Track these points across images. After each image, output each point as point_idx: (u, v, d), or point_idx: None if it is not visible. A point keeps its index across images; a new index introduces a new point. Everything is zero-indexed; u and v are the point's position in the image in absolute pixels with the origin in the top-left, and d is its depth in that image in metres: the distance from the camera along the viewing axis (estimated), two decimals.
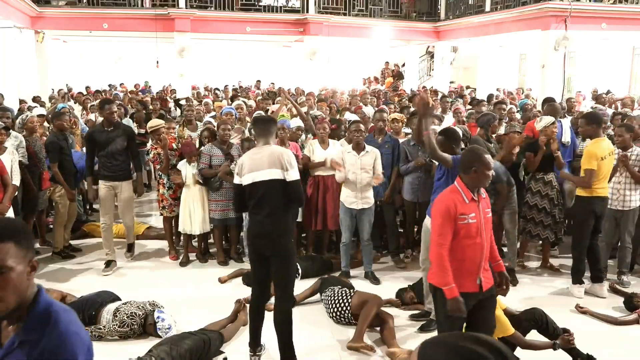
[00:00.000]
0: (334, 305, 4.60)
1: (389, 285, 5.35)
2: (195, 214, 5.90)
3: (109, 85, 17.93)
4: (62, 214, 6.10)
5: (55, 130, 6.21)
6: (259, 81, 17.25)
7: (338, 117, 8.30)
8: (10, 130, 5.76)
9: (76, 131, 7.90)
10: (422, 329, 4.46)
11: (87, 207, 7.66)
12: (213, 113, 8.43)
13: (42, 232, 6.56)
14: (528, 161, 5.69)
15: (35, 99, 11.97)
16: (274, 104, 9.62)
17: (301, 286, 5.37)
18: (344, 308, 4.54)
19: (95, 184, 5.89)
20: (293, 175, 3.66)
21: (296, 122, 6.44)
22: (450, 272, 3.09)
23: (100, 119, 7.41)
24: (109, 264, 5.76)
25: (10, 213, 5.11)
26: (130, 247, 6.21)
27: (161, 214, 6.32)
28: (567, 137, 6.28)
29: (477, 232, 3.15)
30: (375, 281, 5.50)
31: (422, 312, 4.62)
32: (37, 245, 6.40)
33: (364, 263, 5.64)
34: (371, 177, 5.33)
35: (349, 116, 6.97)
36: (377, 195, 5.81)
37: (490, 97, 12.02)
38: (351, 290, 4.72)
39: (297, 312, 4.72)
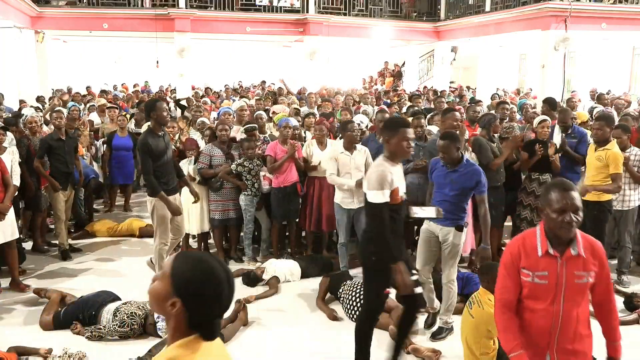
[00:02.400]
0: (359, 297, 4.57)
1: None
2: (192, 213, 5.89)
3: (110, 85, 17.92)
4: (59, 211, 6.10)
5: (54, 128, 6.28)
6: (263, 81, 17.21)
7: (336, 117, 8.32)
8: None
9: (84, 131, 7.90)
10: (434, 337, 4.37)
11: (87, 210, 7.64)
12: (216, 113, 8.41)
13: (42, 231, 6.56)
14: (522, 161, 5.72)
15: (39, 99, 12.00)
16: (274, 104, 9.62)
17: (301, 286, 5.39)
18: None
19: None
20: (369, 195, 3.35)
21: (296, 122, 6.43)
22: (516, 335, 2.48)
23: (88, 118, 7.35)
24: None
25: (11, 213, 5.12)
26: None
27: None
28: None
29: (547, 296, 2.43)
30: None
31: (439, 329, 4.45)
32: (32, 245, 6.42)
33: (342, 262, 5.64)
34: (363, 174, 5.28)
35: (359, 117, 6.95)
36: None
37: (493, 97, 12.02)
38: None
39: (292, 311, 4.73)
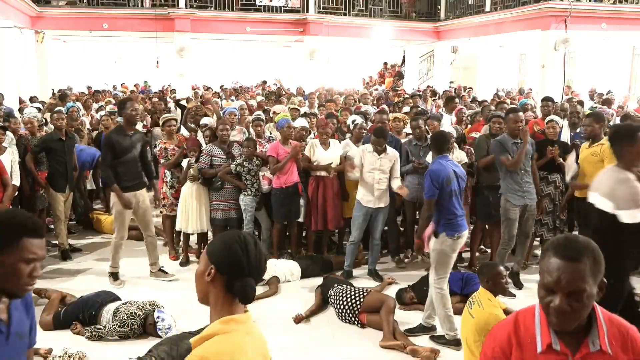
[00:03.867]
0: (345, 302, 4.59)
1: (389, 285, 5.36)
2: (190, 213, 5.88)
3: (109, 85, 17.91)
4: (58, 212, 6.09)
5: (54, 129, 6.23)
6: (264, 82, 17.23)
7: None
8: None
9: (83, 130, 7.88)
10: (410, 331, 4.40)
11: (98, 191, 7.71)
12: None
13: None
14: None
15: (33, 99, 11.98)
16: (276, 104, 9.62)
17: (301, 286, 5.39)
18: (356, 306, 4.54)
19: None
20: (623, 217, 2.99)
21: (300, 122, 6.43)
22: None
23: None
24: (116, 277, 5.48)
25: None
26: (155, 262, 5.68)
27: (160, 212, 6.32)
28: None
29: None
30: (379, 279, 5.52)
31: (419, 326, 4.47)
32: None
33: (369, 261, 5.67)
34: (387, 177, 5.35)
35: (354, 117, 6.96)
36: None
37: (494, 97, 12.02)
38: (364, 289, 4.74)
39: (292, 312, 4.73)
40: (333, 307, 4.75)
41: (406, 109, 8.59)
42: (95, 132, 8.70)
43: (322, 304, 4.88)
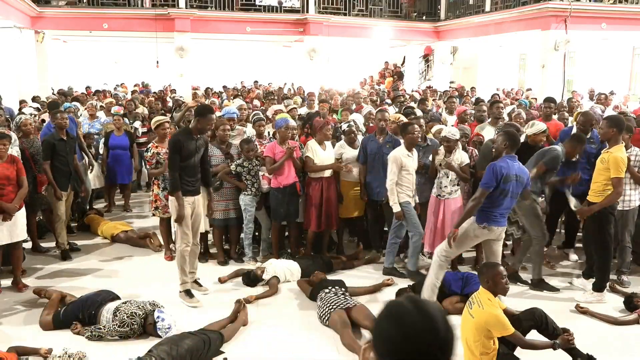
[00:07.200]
0: (329, 308, 4.51)
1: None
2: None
3: (109, 85, 17.92)
4: (60, 212, 6.06)
5: (55, 128, 6.18)
6: (255, 81, 17.31)
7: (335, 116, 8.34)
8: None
9: (78, 131, 7.86)
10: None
11: (88, 207, 7.67)
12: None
13: (37, 232, 6.54)
14: None
15: (35, 99, 11.99)
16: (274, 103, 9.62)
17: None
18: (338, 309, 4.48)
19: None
20: None
21: (294, 122, 6.41)
22: None
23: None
24: (191, 294, 5.03)
25: (20, 214, 5.12)
26: (193, 272, 5.29)
27: (153, 214, 6.31)
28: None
29: None
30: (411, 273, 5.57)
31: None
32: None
33: (388, 261, 5.68)
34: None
35: (355, 116, 6.97)
36: (377, 195, 5.83)
37: (493, 97, 12.01)
38: (353, 299, 4.66)
39: (292, 312, 4.73)
40: (318, 307, 4.65)
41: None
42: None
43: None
